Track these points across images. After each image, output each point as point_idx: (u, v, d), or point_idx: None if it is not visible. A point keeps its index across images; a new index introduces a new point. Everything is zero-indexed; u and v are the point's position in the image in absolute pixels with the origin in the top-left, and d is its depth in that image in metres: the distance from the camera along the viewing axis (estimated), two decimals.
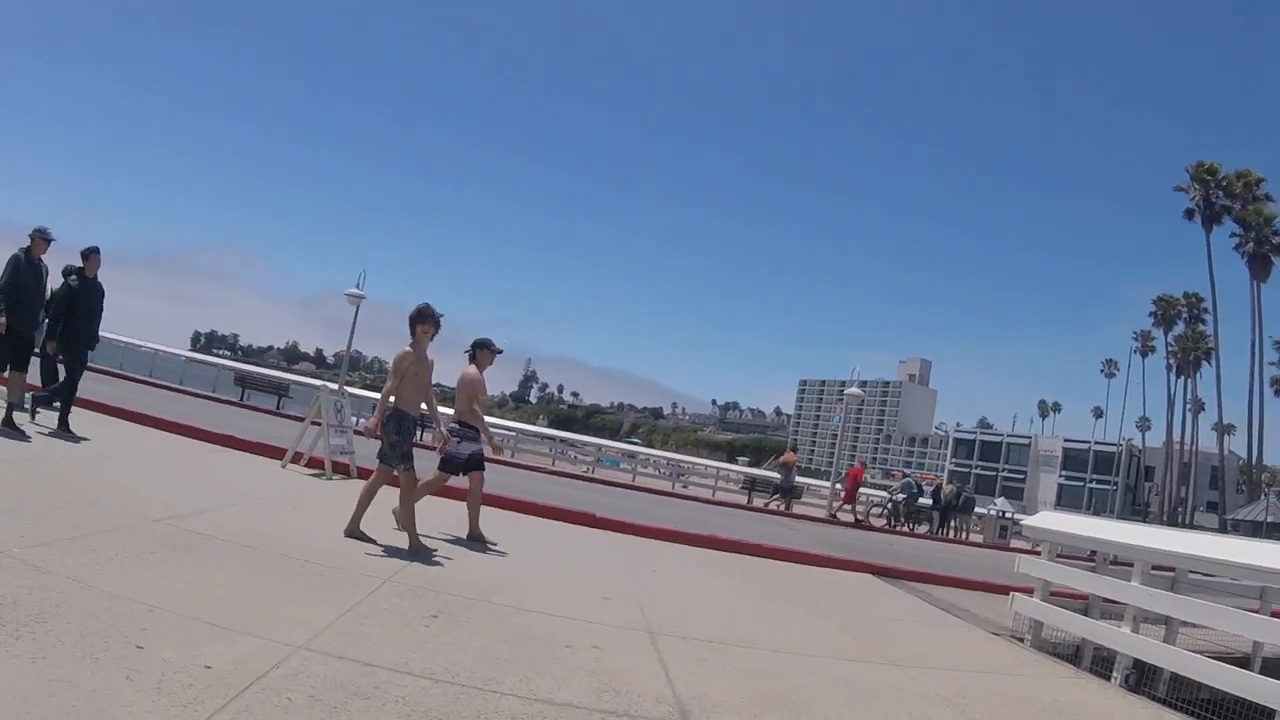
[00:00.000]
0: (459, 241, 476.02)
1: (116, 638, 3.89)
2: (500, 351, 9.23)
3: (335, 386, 24.56)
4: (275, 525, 7.64)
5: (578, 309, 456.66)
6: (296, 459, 11.99)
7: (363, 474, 12.16)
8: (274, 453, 12.18)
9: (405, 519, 7.81)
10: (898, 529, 28.09)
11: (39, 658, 3.50)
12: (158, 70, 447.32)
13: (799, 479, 30.99)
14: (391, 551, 7.43)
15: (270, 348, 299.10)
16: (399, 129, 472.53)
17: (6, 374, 9.66)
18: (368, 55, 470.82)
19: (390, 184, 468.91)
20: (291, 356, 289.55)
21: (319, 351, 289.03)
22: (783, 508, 26.98)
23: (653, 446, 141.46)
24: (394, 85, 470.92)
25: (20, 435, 9.06)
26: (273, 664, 4.01)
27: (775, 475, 29.90)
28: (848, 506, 28.75)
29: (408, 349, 8.03)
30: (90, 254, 10.32)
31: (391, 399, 7.84)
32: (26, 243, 9.65)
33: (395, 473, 7.83)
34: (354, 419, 14.24)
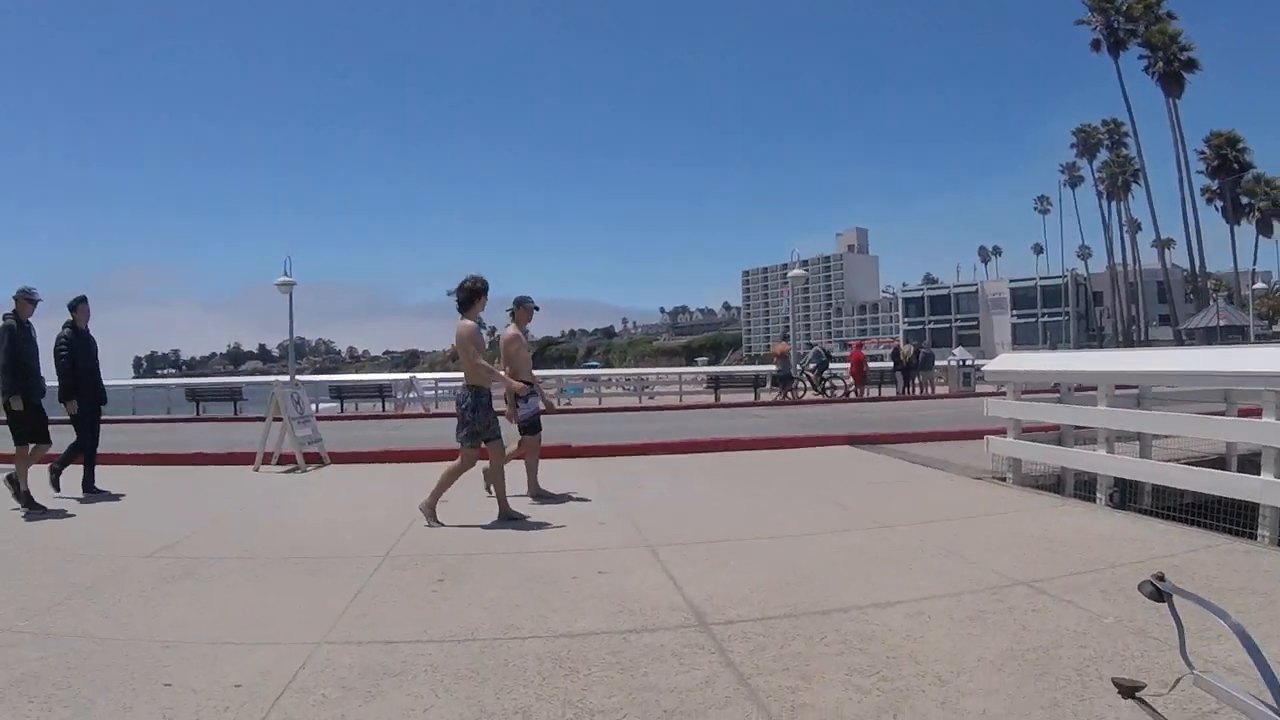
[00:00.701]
0: (354, 195, 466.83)
1: (142, 682, 3.92)
2: (538, 309, 9.16)
3: (287, 379, 24.46)
4: (263, 530, 7.65)
5: (502, 243, 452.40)
6: (267, 459, 11.94)
7: (335, 458, 12.19)
8: (244, 459, 12.12)
9: (499, 487, 7.96)
10: (816, 398, 28.72)
11: None
12: None
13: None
14: (378, 527, 7.48)
15: (213, 355, 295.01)
16: (245, 79, 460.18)
17: (28, 450, 9.03)
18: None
19: (265, 147, 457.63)
20: (236, 358, 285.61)
21: (262, 347, 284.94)
22: (784, 396, 27.50)
23: (611, 366, 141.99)
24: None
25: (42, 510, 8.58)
26: (299, 665, 4.08)
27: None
28: (856, 388, 29.56)
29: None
30: (79, 304, 9.83)
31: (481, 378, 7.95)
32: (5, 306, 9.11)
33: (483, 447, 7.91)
34: (314, 406, 14.17)
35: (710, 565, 5.89)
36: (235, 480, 10.48)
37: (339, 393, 33.94)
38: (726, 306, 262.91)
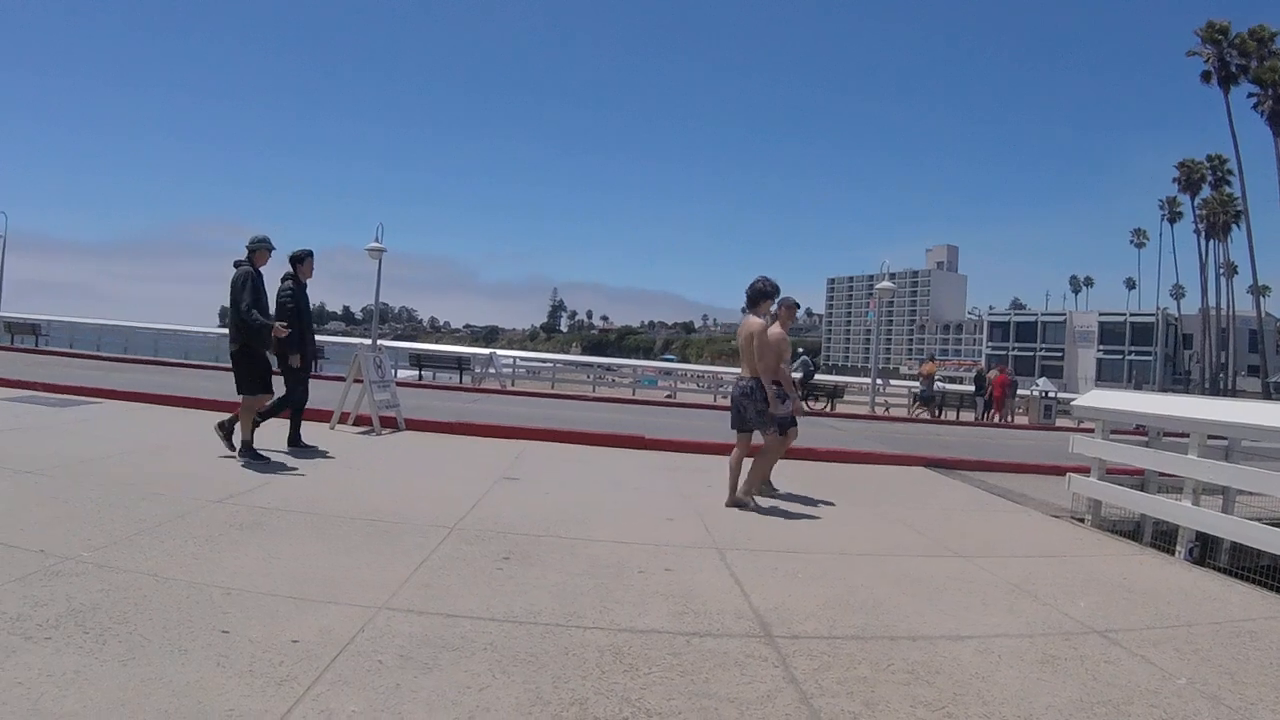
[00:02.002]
0: (454, 183, 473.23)
1: (201, 626, 3.90)
2: (799, 307, 9.15)
3: (370, 343, 24.76)
4: (334, 488, 7.65)
5: (591, 234, 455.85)
6: (344, 419, 12.05)
7: (411, 424, 12.26)
8: (321, 416, 12.22)
9: (759, 476, 8.51)
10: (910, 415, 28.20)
11: (129, 659, 3.50)
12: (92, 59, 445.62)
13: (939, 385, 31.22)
14: (447, 498, 7.45)
15: None
16: (366, 77, 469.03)
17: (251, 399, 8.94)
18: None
19: (373, 133, 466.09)
20: (320, 318, 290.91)
21: (346, 309, 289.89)
22: (924, 415, 27.25)
23: (688, 361, 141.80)
24: (359, 34, 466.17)
25: (263, 458, 8.65)
26: (358, 628, 4.03)
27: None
28: (997, 414, 29.25)
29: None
30: (305, 257, 9.80)
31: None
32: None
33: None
34: (394, 371, 14.27)
35: (779, 575, 5.72)
36: (310, 435, 10.54)
37: (418, 361, 34.12)
38: (809, 313, 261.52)
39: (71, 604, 4.06)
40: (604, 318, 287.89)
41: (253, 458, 8.57)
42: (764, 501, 8.57)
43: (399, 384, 14.54)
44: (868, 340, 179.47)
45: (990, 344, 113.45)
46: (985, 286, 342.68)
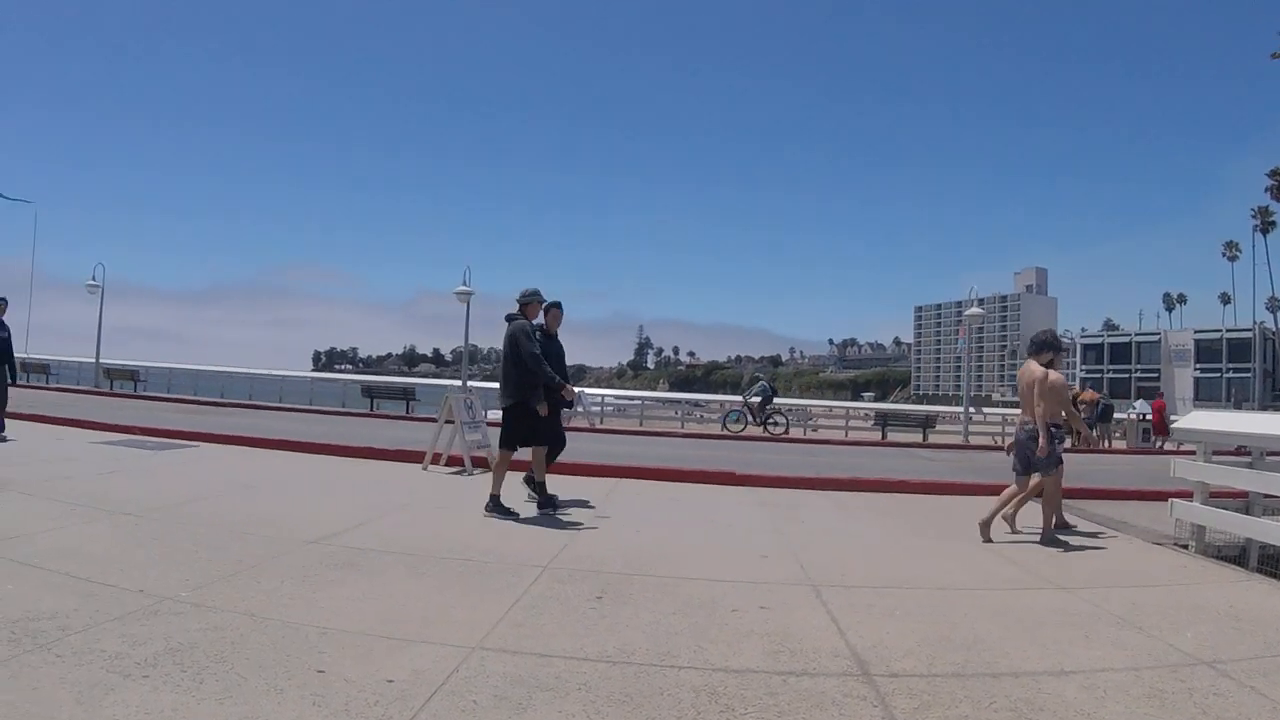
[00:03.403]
0: (529, 223, 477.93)
1: (296, 665, 3.92)
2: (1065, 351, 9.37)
3: (461, 384, 25.07)
4: (428, 528, 7.72)
5: (672, 270, 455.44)
6: (435, 459, 12.19)
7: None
8: (413, 457, 12.40)
9: (1052, 510, 8.93)
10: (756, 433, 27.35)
11: (225, 698, 3.53)
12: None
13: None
14: (541, 537, 7.45)
15: (389, 355, 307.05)
16: (434, 115, 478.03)
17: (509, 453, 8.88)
18: (379, 42, 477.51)
19: (445, 173, 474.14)
20: (410, 360, 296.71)
21: (436, 351, 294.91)
22: (1087, 445, 26.90)
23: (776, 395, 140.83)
24: (428, 71, 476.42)
25: (512, 514, 8.48)
26: (452, 668, 4.00)
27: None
28: (1159, 438, 28.64)
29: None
30: (552, 307, 9.56)
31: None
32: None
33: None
34: (484, 412, 14.39)
35: (876, 612, 5.55)
36: (403, 476, 10.65)
37: None
38: (897, 342, 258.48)
39: (170, 642, 4.12)
40: (691, 353, 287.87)
41: (502, 513, 8.44)
42: (862, 535, 8.42)
43: (490, 424, 14.65)
44: (958, 368, 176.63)
45: (1084, 367, 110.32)
46: (1076, 308, 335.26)
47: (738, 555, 7.20)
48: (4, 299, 13.62)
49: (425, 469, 11.87)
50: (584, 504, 9.38)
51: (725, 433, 27.32)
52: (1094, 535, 8.89)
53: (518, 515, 8.44)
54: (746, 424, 28.37)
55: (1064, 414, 8.98)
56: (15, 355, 12.99)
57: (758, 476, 12.31)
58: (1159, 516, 9.18)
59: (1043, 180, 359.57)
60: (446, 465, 12.10)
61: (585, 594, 5.57)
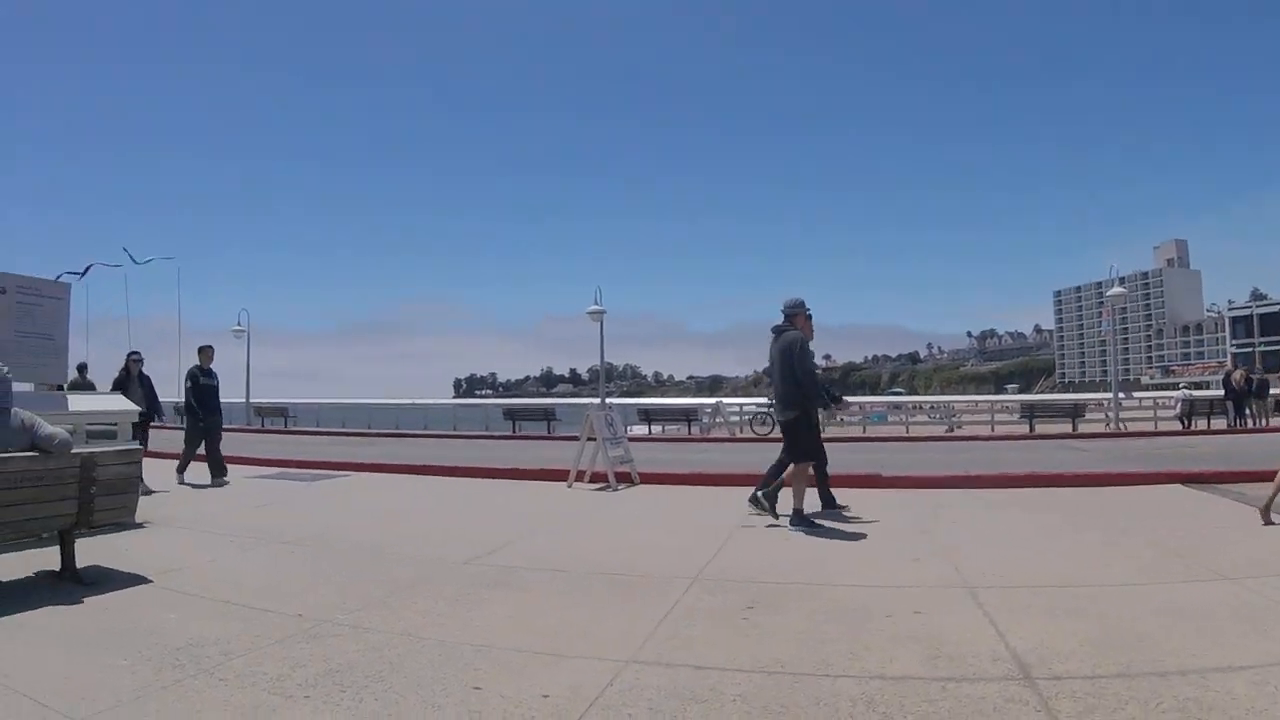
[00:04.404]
0: (653, 236, 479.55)
1: (453, 682, 3.98)
2: None
3: (599, 402, 25.38)
4: (576, 544, 7.78)
5: (799, 273, 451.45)
6: (580, 477, 12.30)
7: (644, 478, 12.37)
8: (557, 475, 12.55)
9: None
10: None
11: (385, 716, 3.61)
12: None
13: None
14: (686, 548, 7.39)
15: (527, 378, 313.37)
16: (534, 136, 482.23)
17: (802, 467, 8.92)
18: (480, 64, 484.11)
19: (571, 196, 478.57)
20: (548, 381, 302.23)
21: (572, 371, 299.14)
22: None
23: (916, 393, 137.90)
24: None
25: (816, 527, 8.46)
26: (606, 682, 4.00)
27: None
28: None
29: None
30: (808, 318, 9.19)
31: None
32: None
33: None
34: (625, 428, 14.49)
35: (1034, 612, 5.30)
36: (549, 495, 10.78)
37: (646, 415, 34.75)
38: (1038, 330, 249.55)
39: (329, 664, 4.24)
40: (826, 356, 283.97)
41: (808, 526, 8.41)
42: (1014, 533, 8.14)
43: (631, 439, 14.74)
44: (1103, 352, 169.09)
45: (1234, 342, 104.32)
46: (1221, 279, 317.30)
47: (889, 558, 7.02)
48: (210, 346, 13.52)
49: (570, 487, 12.01)
50: (727, 514, 9.30)
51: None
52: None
53: (822, 527, 8.42)
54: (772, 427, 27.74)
55: None
56: (188, 400, 13.15)
57: (904, 477, 12.03)
58: None
59: (1178, 146, 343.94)
60: (590, 482, 12.20)
61: (736, 605, 5.50)
